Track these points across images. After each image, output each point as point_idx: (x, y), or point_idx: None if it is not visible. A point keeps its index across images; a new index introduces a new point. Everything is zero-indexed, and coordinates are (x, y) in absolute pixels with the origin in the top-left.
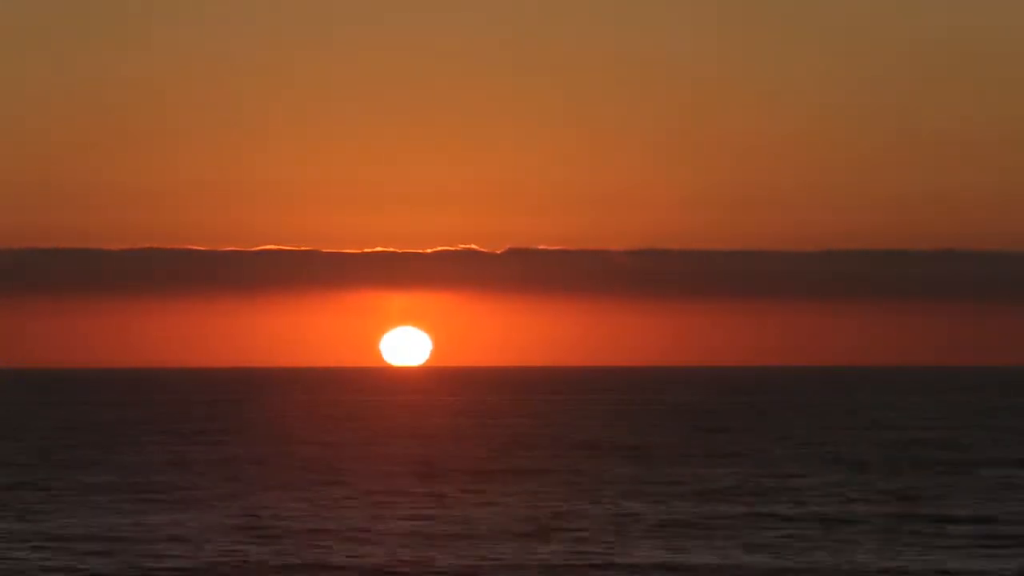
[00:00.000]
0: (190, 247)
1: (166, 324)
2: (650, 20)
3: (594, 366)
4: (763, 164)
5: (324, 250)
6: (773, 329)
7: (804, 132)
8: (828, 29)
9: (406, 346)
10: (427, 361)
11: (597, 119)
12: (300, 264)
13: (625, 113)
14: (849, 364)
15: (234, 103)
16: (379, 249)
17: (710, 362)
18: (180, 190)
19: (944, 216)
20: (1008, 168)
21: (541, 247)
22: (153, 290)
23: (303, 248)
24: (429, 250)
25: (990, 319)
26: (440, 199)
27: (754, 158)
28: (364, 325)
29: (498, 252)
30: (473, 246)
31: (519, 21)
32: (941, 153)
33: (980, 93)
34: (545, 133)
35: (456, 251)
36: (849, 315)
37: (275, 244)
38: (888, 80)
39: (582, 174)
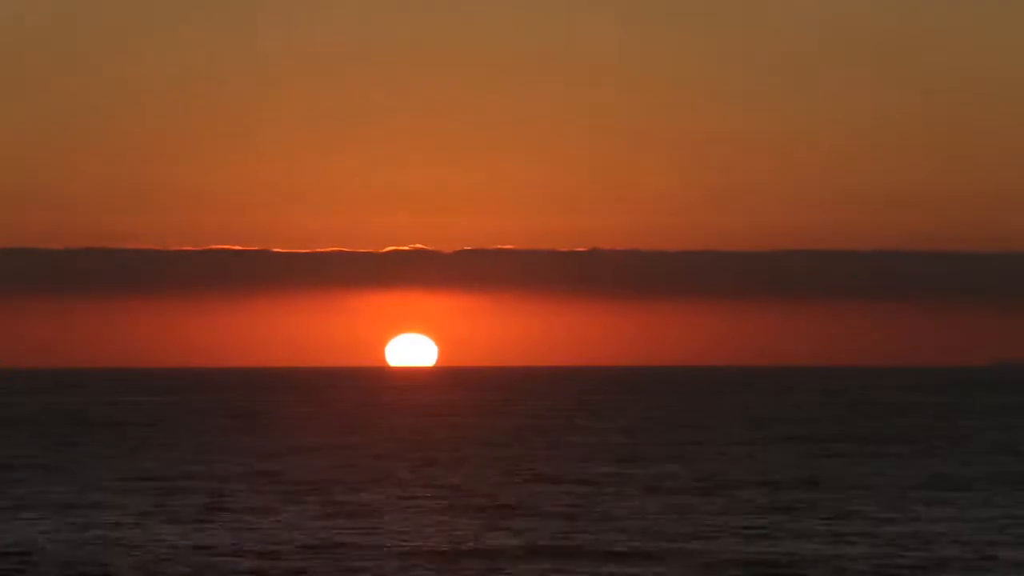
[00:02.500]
0: (137, 247)
1: (113, 323)
2: (605, 24)
3: (544, 366)
4: (719, 165)
5: (274, 250)
6: (728, 329)
7: (764, 133)
8: (785, 31)
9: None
10: (391, 360)
11: (548, 121)
12: (250, 264)
13: (577, 115)
14: (810, 364)
15: (186, 105)
16: (331, 249)
17: (666, 362)
18: (129, 190)
19: (898, 216)
20: (965, 170)
21: (491, 247)
22: (100, 289)
23: (253, 248)
24: (382, 250)
25: (944, 319)
26: (390, 200)
27: (710, 159)
28: (319, 324)
29: (448, 252)
30: (419, 245)
31: (474, 26)
32: (900, 154)
33: (933, 95)
34: (496, 136)
35: (408, 251)
36: (807, 315)
37: (224, 244)
38: (846, 81)
39: (534, 176)
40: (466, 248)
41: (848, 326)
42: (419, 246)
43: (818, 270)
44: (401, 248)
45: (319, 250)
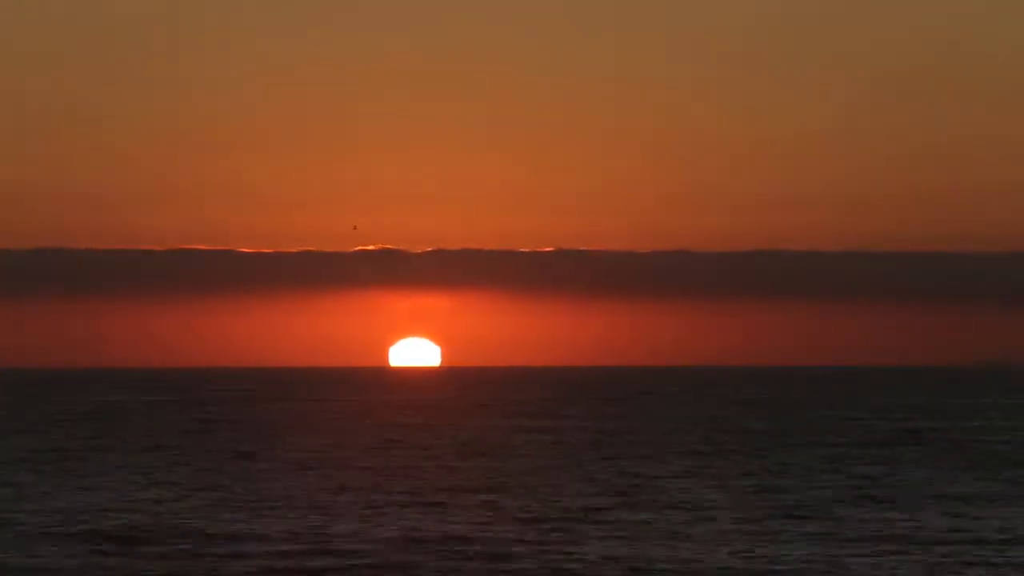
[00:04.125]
0: (103, 247)
1: (77, 324)
2: (571, 27)
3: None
4: (689, 165)
5: (241, 250)
6: (693, 328)
7: (734, 133)
8: (757, 32)
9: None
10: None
11: (516, 123)
12: (215, 264)
13: (544, 115)
14: (767, 364)
15: (154, 109)
16: (299, 249)
17: (636, 362)
18: (91, 190)
19: (859, 217)
20: (950, 168)
21: (458, 247)
22: (60, 290)
23: (218, 248)
24: (350, 250)
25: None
26: (357, 200)
27: (679, 160)
28: (286, 324)
29: (417, 252)
30: (387, 245)
31: (442, 30)
32: (876, 154)
33: (924, 93)
34: (463, 137)
35: (376, 251)
36: (776, 315)
37: (189, 244)
38: (804, 81)
39: (500, 176)
40: (432, 248)
41: (822, 327)
42: (387, 246)
43: (789, 271)
44: (368, 248)
45: (286, 250)
